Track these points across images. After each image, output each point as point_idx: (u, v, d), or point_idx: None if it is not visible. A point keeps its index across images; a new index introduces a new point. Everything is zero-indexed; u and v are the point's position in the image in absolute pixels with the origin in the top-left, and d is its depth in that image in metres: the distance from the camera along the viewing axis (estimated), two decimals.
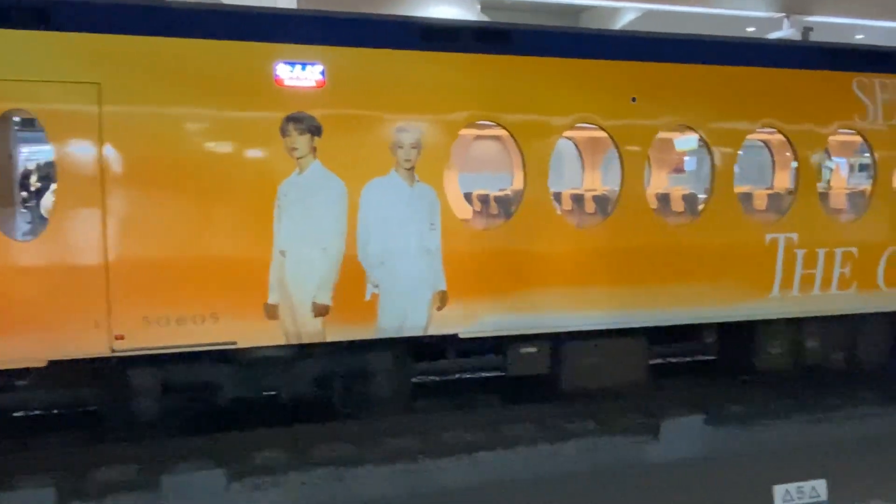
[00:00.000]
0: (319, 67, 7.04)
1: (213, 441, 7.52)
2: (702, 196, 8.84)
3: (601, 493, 7.12)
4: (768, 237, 8.60)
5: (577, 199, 10.33)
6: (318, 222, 7.10)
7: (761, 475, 7.41)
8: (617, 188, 8.21)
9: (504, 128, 7.70)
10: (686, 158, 15.97)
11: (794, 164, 8.78)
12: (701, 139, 8.40)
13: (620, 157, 8.05)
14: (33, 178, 15.15)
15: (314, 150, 7.03)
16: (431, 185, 7.42)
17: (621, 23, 23.91)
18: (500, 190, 10.10)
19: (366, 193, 7.22)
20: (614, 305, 8.17)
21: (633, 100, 8.01)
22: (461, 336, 7.79)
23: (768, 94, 8.48)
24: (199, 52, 6.72)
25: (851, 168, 12.90)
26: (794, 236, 8.67)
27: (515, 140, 7.70)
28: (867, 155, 9.32)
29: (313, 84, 7.03)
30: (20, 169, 10.84)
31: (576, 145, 12.00)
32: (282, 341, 7.18)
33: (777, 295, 8.73)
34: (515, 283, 7.81)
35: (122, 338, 6.71)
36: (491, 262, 7.74)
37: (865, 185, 11.28)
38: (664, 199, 10.57)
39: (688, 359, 11.25)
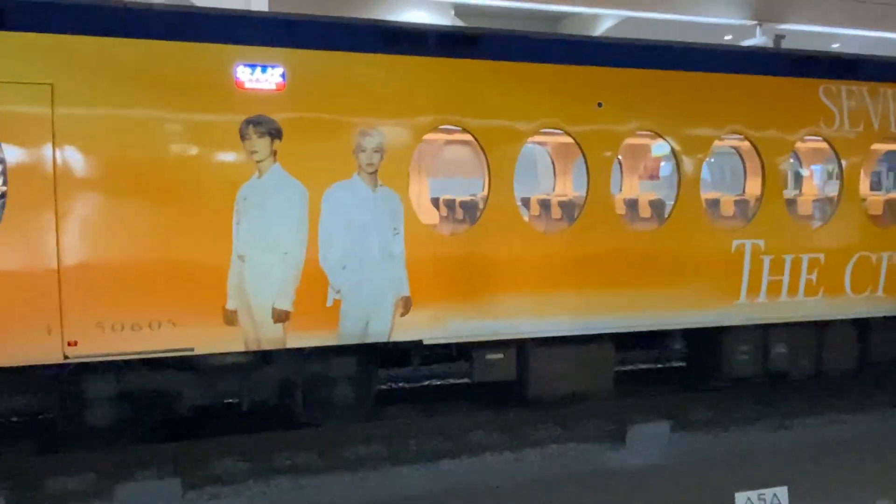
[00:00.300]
0: (280, 70, 6.95)
1: (170, 449, 7.38)
2: (670, 202, 8.81)
3: (564, 500, 7.07)
4: (735, 243, 8.60)
5: (545, 205, 10.30)
6: (278, 227, 7.00)
7: (725, 482, 7.37)
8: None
9: (469, 132, 7.64)
10: (662, 164, 16.03)
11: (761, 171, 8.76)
12: (667, 145, 8.38)
13: (586, 162, 8.01)
14: None
15: (274, 153, 6.94)
16: (395, 190, 7.35)
17: (600, 30, 23.98)
18: (466, 195, 10.04)
19: (327, 198, 7.13)
20: (581, 311, 8.13)
21: (599, 105, 7.98)
22: (426, 342, 7.71)
23: (735, 100, 8.49)
24: (156, 53, 6.61)
25: (818, 175, 12.96)
26: (761, 243, 8.67)
27: (480, 145, 7.65)
28: (834, 162, 9.36)
29: (273, 87, 6.94)
30: None
31: (548, 151, 11.98)
32: (241, 348, 7.07)
33: (744, 301, 8.73)
34: (481, 289, 7.75)
35: (75, 344, 6.57)
36: (456, 267, 7.67)
37: (832, 191, 11.33)
38: (633, 204, 10.55)
39: (658, 365, 11.23)
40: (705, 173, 15.04)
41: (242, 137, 6.85)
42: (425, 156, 11.15)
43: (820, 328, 9.42)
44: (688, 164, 8.38)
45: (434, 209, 10.90)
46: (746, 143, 8.91)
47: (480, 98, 7.59)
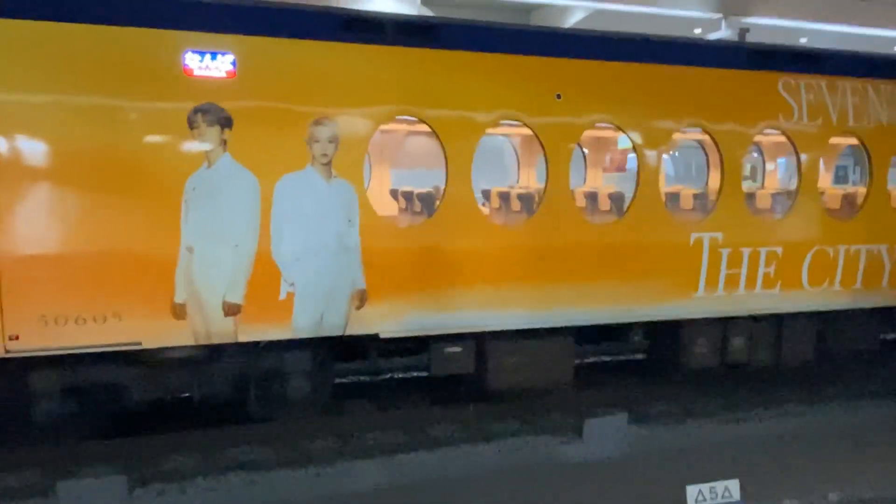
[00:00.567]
0: (230, 57, 6.77)
1: (118, 445, 7.21)
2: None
3: (519, 494, 7.04)
4: (693, 236, 8.60)
5: (505, 197, 10.23)
6: (228, 218, 6.84)
7: (680, 475, 7.38)
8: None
9: (426, 123, 7.53)
10: (630, 156, 16.08)
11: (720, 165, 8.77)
12: (627, 137, 8.35)
13: (545, 154, 7.95)
14: None
15: (224, 142, 6.77)
16: (350, 181, 7.22)
17: (570, 22, 23.94)
18: (424, 187, 9.94)
19: (280, 188, 6.98)
20: (540, 305, 8.08)
21: (558, 97, 7.91)
22: (382, 336, 7.62)
23: (694, 93, 8.47)
24: (100, 38, 6.40)
25: (776, 168, 13.05)
26: (719, 236, 8.69)
27: (437, 136, 7.54)
28: (792, 155, 9.39)
29: (224, 74, 6.76)
30: None
31: (512, 143, 11.91)
32: (191, 342, 6.91)
33: (702, 294, 8.75)
34: (438, 282, 7.66)
35: (16, 338, 6.38)
36: (413, 260, 7.57)
37: (790, 185, 11.40)
38: (593, 197, 10.53)
39: (620, 358, 11.26)
40: (669, 167, 15.12)
41: (191, 126, 6.67)
42: (388, 146, 11.04)
43: (778, 321, 9.49)
44: (647, 156, 8.35)
45: (394, 201, 10.77)
46: (708, 137, 8.90)
47: (438, 88, 7.48)
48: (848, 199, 10.51)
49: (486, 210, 10.51)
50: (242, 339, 7.07)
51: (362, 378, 9.86)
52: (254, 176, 6.88)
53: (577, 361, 8.83)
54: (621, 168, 15.83)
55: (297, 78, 6.99)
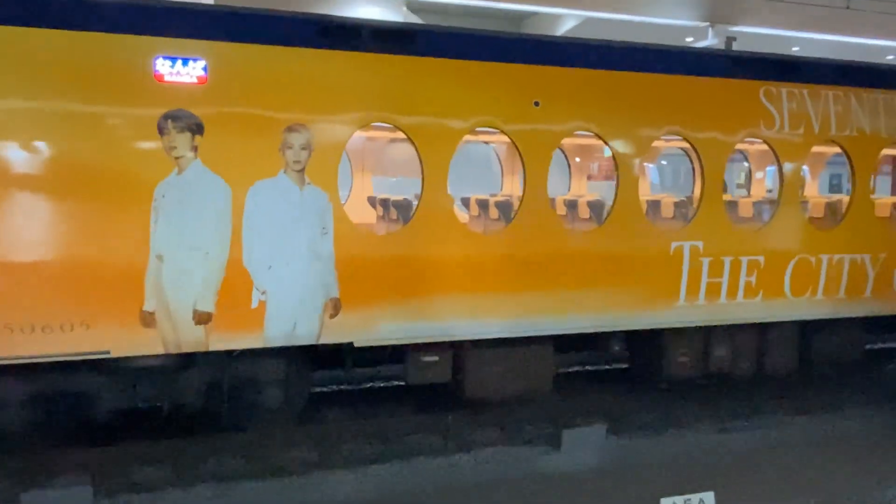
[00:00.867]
0: (202, 63, 6.71)
1: (86, 455, 7.10)
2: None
3: None
4: (673, 245, 8.54)
5: (483, 205, 10.18)
6: (198, 225, 6.76)
7: (657, 486, 7.30)
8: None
9: (401, 130, 7.47)
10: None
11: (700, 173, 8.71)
12: (606, 145, 8.29)
13: (522, 162, 7.89)
14: None
15: (195, 149, 6.70)
16: (323, 189, 7.15)
17: (562, 30, 23.94)
18: (401, 195, 9.88)
19: (252, 196, 6.91)
20: (517, 313, 8.01)
21: (536, 104, 7.86)
22: (357, 345, 7.54)
23: (674, 101, 8.42)
24: (69, 43, 6.34)
25: (765, 177, 13.02)
26: (700, 244, 8.63)
27: (413, 143, 7.48)
28: (773, 164, 9.35)
29: (195, 80, 6.70)
30: None
31: (496, 151, 11.86)
32: (160, 350, 6.82)
33: (683, 303, 8.68)
34: (414, 291, 7.59)
35: None
36: (388, 268, 7.50)
37: (772, 194, 11.38)
38: (573, 205, 10.48)
39: (604, 367, 11.17)
40: (656, 175, 15.08)
41: (161, 132, 6.60)
42: (369, 154, 10.99)
43: (761, 330, 9.42)
44: (626, 164, 8.29)
45: (371, 208, 10.71)
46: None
47: (413, 95, 7.42)
48: (831, 208, 10.45)
49: (465, 218, 10.46)
50: (214, 347, 6.98)
51: (337, 387, 9.76)
52: (225, 183, 6.80)
53: (556, 370, 8.74)
54: (609, 176, 15.78)
55: (270, 84, 6.93)
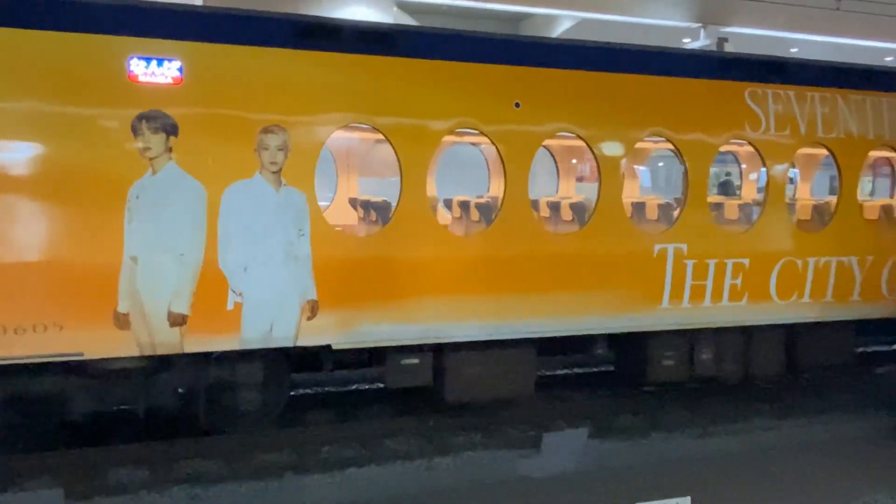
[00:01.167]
0: (177, 63, 6.67)
1: (60, 458, 7.06)
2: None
3: None
4: (657, 247, 8.47)
5: (465, 207, 10.12)
6: (173, 227, 6.71)
7: (632, 491, 7.24)
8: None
9: (380, 131, 7.43)
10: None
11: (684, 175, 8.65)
12: (588, 147, 8.22)
13: (502, 163, 7.83)
14: None
15: (170, 150, 6.66)
16: (300, 190, 7.10)
17: (558, 31, 23.89)
18: (381, 196, 9.83)
19: (227, 197, 6.86)
20: (498, 315, 7.95)
21: (517, 105, 7.81)
22: (335, 347, 7.49)
23: (657, 102, 8.36)
24: (42, 43, 6.30)
25: (758, 178, 12.92)
26: (684, 247, 8.56)
27: (391, 144, 7.43)
28: (759, 166, 9.28)
29: (170, 81, 6.66)
30: None
31: (482, 152, 11.77)
32: (135, 352, 6.78)
33: (667, 306, 8.61)
34: (393, 293, 7.53)
35: None
36: (366, 270, 7.45)
37: (757, 195, 11.29)
38: (555, 207, 10.42)
39: (592, 369, 11.10)
40: (646, 177, 15.00)
41: (135, 133, 6.56)
42: (354, 155, 10.94)
43: (747, 333, 9.35)
44: (608, 166, 8.23)
45: (353, 210, 10.66)
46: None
47: (392, 96, 7.37)
48: (819, 210, 10.38)
49: (448, 219, 10.40)
50: (189, 350, 6.93)
51: (318, 390, 9.71)
52: (200, 184, 6.76)
53: (538, 373, 8.68)
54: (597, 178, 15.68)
55: (246, 85, 6.89)
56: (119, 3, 6.57)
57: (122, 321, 6.65)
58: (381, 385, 9.12)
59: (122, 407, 7.43)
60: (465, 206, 10.15)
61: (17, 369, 6.62)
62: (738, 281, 8.87)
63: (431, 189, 10.91)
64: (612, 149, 8.21)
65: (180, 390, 7.47)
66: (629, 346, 9.08)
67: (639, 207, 10.39)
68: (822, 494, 7.39)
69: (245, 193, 6.92)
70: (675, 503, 6.42)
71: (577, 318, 8.28)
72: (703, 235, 8.66)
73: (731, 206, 10.88)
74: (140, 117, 6.55)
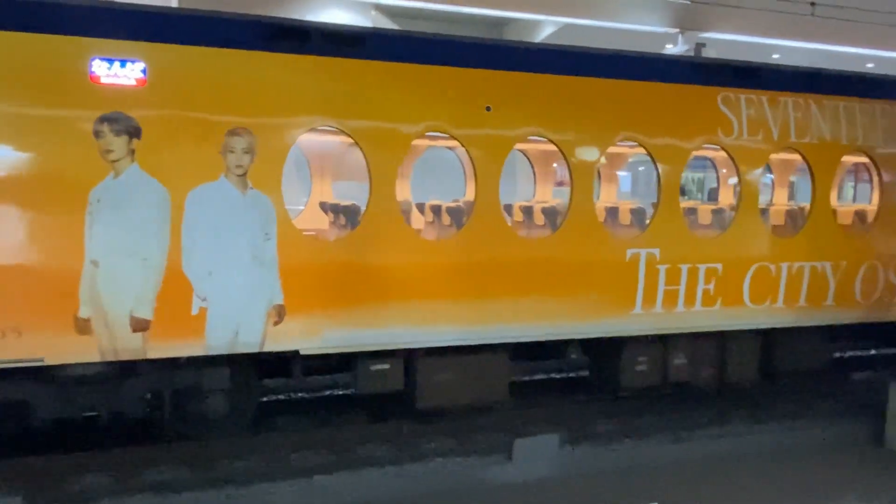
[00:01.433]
0: (141, 65, 6.58)
1: (21, 466, 6.93)
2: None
3: None
4: (629, 252, 8.44)
5: (437, 211, 10.06)
6: (136, 230, 6.61)
7: (603, 497, 7.21)
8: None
9: (347, 134, 7.36)
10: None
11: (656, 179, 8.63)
12: (560, 151, 8.19)
13: (473, 167, 7.78)
14: None
15: (132, 152, 6.56)
16: (267, 193, 7.02)
17: (541, 36, 23.90)
18: (348, 200, 9.77)
19: (192, 200, 6.77)
20: (470, 320, 7.89)
21: (488, 109, 7.76)
22: (302, 353, 7.40)
23: (629, 107, 8.34)
24: (2, 43, 6.19)
25: (717, 184, 12.93)
26: (656, 252, 8.53)
27: (360, 147, 7.37)
28: (732, 171, 9.28)
29: (133, 82, 6.57)
30: None
31: (459, 156, 11.74)
32: (97, 358, 6.67)
33: (640, 311, 8.58)
34: (362, 298, 7.45)
35: None
36: (335, 274, 7.37)
37: (731, 200, 11.28)
38: (528, 211, 10.39)
39: (566, 375, 11.05)
40: (626, 182, 14.97)
41: (97, 135, 6.45)
42: (329, 159, 10.87)
43: (722, 339, 9.33)
44: (580, 170, 8.19)
45: (324, 214, 10.58)
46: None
47: (361, 99, 7.31)
48: (792, 215, 10.40)
49: (422, 223, 10.34)
50: (152, 355, 6.83)
51: (289, 396, 9.61)
52: (163, 187, 6.66)
53: (511, 379, 8.62)
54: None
55: (212, 87, 6.80)
56: (81, 3, 6.47)
57: (83, 326, 6.54)
58: (350, 391, 9.03)
59: (87, 413, 7.33)
60: (437, 210, 10.08)
61: None
62: (712, 286, 8.86)
63: (405, 193, 10.91)
64: (583, 153, 8.18)
65: (146, 396, 7.35)
66: (603, 351, 9.05)
67: (612, 212, 10.36)
68: (796, 500, 7.37)
69: (210, 196, 6.83)
70: None
71: (549, 324, 8.23)
72: (675, 240, 8.64)
73: (704, 211, 10.87)
74: (102, 119, 6.46)
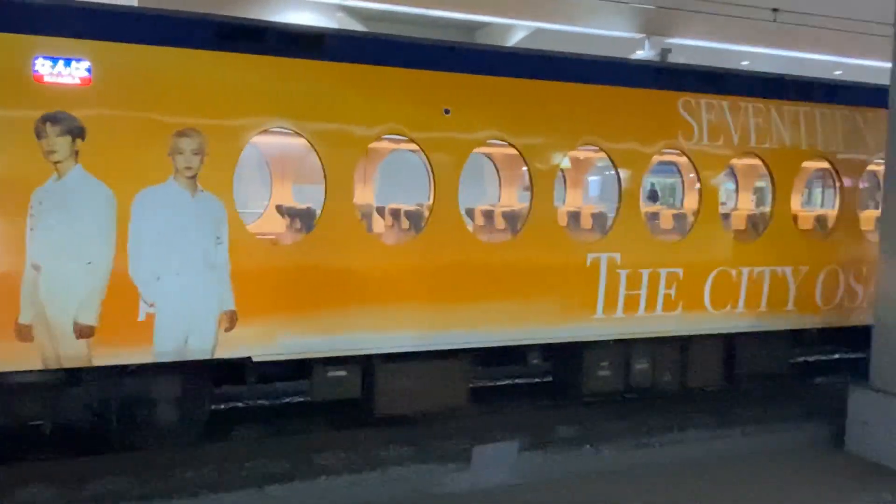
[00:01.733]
0: (86, 64, 6.39)
1: None
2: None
3: None
4: (590, 257, 8.39)
5: (396, 215, 9.96)
6: (79, 234, 6.41)
7: (563, 503, 7.13)
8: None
9: (302, 136, 7.23)
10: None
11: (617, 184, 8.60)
12: (519, 155, 8.12)
13: (431, 170, 7.68)
14: None
15: (76, 153, 6.37)
16: (218, 196, 6.86)
17: (513, 40, 23.94)
18: (303, 204, 9.64)
19: (138, 203, 6.59)
20: (428, 326, 7.78)
21: (447, 112, 7.67)
22: (255, 360, 7.24)
23: (590, 111, 8.30)
24: None
25: (678, 188, 12.99)
26: (617, 256, 8.49)
27: (314, 149, 7.23)
28: (693, 176, 9.28)
29: (78, 81, 6.38)
30: None
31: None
32: (38, 366, 6.45)
33: (601, 316, 8.53)
34: (317, 303, 7.32)
35: None
36: (289, 279, 7.22)
37: (693, 205, 11.30)
38: (489, 215, 10.32)
39: (533, 380, 10.97)
40: (596, 186, 14.98)
41: (38, 136, 6.26)
42: (290, 161, 10.71)
43: (684, 343, 9.31)
44: (540, 175, 8.13)
45: (280, 218, 10.42)
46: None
47: (315, 101, 7.18)
48: (753, 220, 10.43)
49: (381, 227, 10.23)
50: (98, 363, 6.63)
51: (247, 403, 9.42)
52: (109, 189, 6.48)
53: (470, 385, 8.52)
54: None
55: (160, 87, 6.64)
56: (25, 0, 6.27)
57: (24, 333, 6.32)
58: (307, 399, 8.87)
59: (30, 423, 7.09)
60: (396, 214, 9.97)
61: None
62: (673, 290, 8.84)
63: (367, 196, 10.78)
64: (543, 157, 8.12)
65: (92, 405, 7.13)
66: (565, 356, 8.99)
67: (574, 216, 10.32)
68: None
69: (158, 199, 6.65)
70: None
71: (510, 329, 8.14)
72: (636, 245, 8.61)
73: (665, 216, 10.87)
74: (44, 119, 6.26)
